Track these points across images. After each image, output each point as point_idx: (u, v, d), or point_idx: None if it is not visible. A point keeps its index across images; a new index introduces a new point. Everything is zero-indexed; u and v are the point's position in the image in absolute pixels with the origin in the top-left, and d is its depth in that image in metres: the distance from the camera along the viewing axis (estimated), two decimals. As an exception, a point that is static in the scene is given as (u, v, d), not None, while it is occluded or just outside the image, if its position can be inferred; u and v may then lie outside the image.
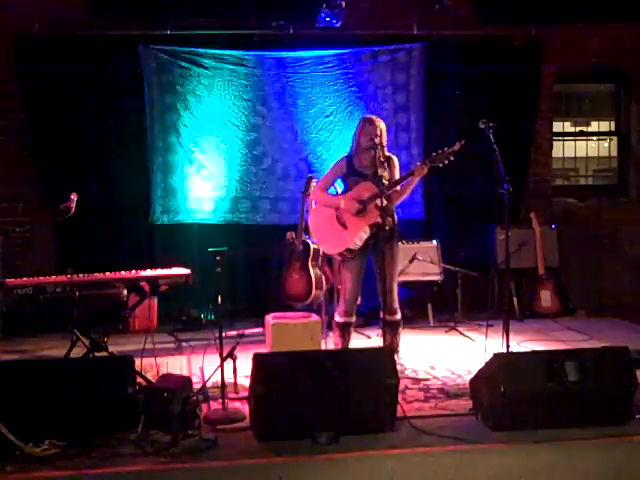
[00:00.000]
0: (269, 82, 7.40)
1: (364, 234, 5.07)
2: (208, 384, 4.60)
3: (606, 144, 8.71)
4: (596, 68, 8.07)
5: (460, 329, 6.69)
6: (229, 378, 4.62)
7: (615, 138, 8.47)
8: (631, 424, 4.01)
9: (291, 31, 7.25)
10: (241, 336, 6.07)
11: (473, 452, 3.72)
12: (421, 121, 7.54)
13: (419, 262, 6.87)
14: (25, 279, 4.80)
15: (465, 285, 7.12)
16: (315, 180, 6.30)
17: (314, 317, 5.82)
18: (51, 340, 6.25)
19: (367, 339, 6.35)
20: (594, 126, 8.98)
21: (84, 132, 7.17)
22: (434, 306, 7.05)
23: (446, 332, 6.70)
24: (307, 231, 5.98)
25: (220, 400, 4.32)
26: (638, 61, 7.99)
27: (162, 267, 5.16)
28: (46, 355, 5.89)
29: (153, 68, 7.23)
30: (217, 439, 3.85)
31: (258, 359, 3.95)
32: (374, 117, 5.28)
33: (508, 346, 4.75)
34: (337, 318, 5.24)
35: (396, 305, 5.14)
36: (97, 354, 4.86)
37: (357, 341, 5.99)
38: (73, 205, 5.29)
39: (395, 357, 4.57)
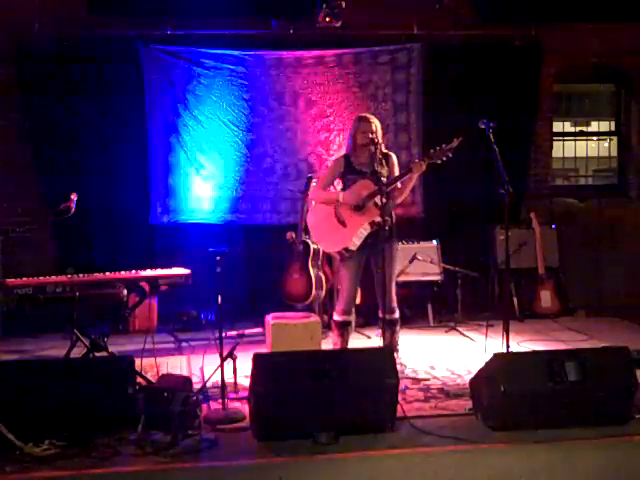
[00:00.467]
0: (269, 82, 7.40)
1: (364, 231, 5.06)
2: (208, 384, 4.61)
3: (606, 144, 8.72)
4: (596, 68, 8.07)
5: (460, 329, 6.69)
6: (229, 378, 4.62)
7: (615, 138, 8.47)
8: (631, 424, 4.01)
9: (291, 31, 7.25)
10: (241, 336, 6.07)
11: (473, 452, 3.72)
12: (421, 121, 7.53)
13: (419, 262, 6.86)
14: (25, 279, 4.80)
15: (465, 285, 7.12)
16: (315, 180, 6.30)
17: (314, 317, 5.83)
18: (51, 340, 6.25)
19: (367, 339, 6.35)
20: (594, 126, 8.99)
21: (84, 132, 7.16)
22: (434, 306, 7.04)
23: (446, 332, 6.70)
24: (307, 231, 5.98)
25: (220, 400, 4.33)
26: (638, 61, 7.98)
27: (162, 267, 5.17)
28: (46, 355, 5.89)
29: (153, 68, 7.23)
30: (217, 439, 3.86)
31: (258, 359, 3.95)
32: (368, 115, 5.33)
33: (508, 346, 4.75)
34: (336, 317, 5.25)
35: (395, 304, 5.15)
36: (97, 354, 4.86)
37: (357, 341, 5.99)
38: (73, 205, 5.28)
39: (395, 356, 4.58)
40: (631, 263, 7.93)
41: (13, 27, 6.94)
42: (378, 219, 4.91)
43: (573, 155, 8.62)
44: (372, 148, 5.03)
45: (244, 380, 4.58)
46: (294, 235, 6.66)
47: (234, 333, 6.21)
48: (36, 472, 3.50)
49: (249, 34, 7.32)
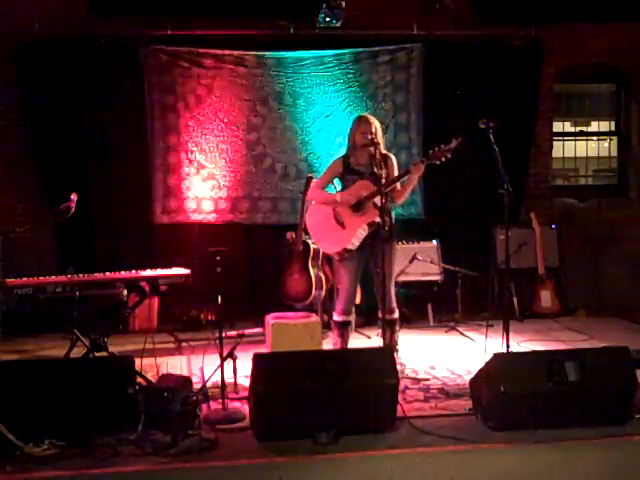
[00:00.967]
0: (269, 82, 7.40)
1: (362, 232, 5.06)
2: (208, 384, 4.61)
3: (606, 144, 8.72)
4: (596, 68, 8.07)
5: (460, 329, 6.69)
6: (229, 378, 4.62)
7: (615, 138, 8.47)
8: (631, 424, 4.01)
9: (291, 31, 7.24)
10: (241, 336, 6.07)
11: (473, 452, 3.72)
12: (421, 121, 7.54)
13: (419, 262, 6.87)
14: (25, 279, 4.80)
15: (465, 285, 7.13)
16: (315, 180, 6.30)
17: (314, 317, 5.83)
18: (51, 340, 6.25)
19: (367, 339, 6.35)
20: (594, 126, 8.98)
21: (84, 132, 7.17)
22: (434, 306, 7.05)
23: (446, 332, 6.70)
24: (307, 231, 5.98)
25: (220, 400, 4.33)
26: (638, 61, 7.99)
27: (162, 267, 5.17)
28: (46, 355, 5.89)
29: (153, 68, 7.23)
30: (217, 439, 3.85)
31: (258, 359, 3.94)
32: (368, 115, 5.32)
33: (508, 346, 4.75)
34: (335, 317, 5.25)
35: (394, 304, 5.16)
36: (97, 354, 4.86)
37: (357, 341, 6.00)
38: (73, 205, 5.29)
39: (395, 355, 4.58)
40: (631, 263, 7.94)
41: (13, 27, 6.94)
42: (377, 220, 4.90)
43: (573, 155, 8.62)
44: (371, 149, 5.02)
45: (244, 380, 4.58)
46: (294, 235, 6.67)
47: (234, 333, 6.21)
48: (36, 472, 3.50)
49: (249, 34, 7.32)
